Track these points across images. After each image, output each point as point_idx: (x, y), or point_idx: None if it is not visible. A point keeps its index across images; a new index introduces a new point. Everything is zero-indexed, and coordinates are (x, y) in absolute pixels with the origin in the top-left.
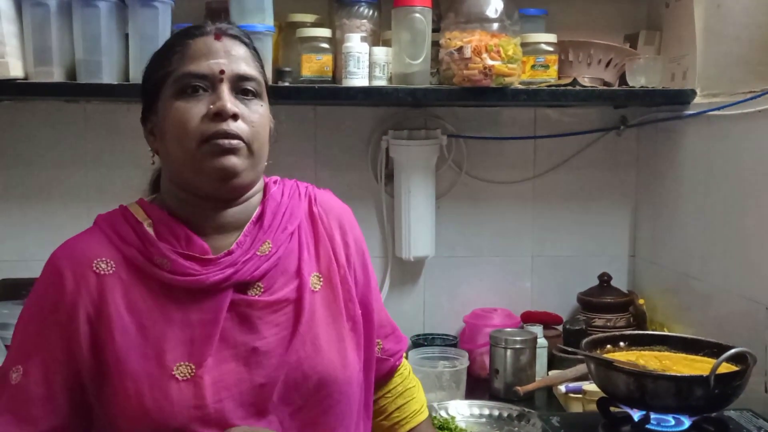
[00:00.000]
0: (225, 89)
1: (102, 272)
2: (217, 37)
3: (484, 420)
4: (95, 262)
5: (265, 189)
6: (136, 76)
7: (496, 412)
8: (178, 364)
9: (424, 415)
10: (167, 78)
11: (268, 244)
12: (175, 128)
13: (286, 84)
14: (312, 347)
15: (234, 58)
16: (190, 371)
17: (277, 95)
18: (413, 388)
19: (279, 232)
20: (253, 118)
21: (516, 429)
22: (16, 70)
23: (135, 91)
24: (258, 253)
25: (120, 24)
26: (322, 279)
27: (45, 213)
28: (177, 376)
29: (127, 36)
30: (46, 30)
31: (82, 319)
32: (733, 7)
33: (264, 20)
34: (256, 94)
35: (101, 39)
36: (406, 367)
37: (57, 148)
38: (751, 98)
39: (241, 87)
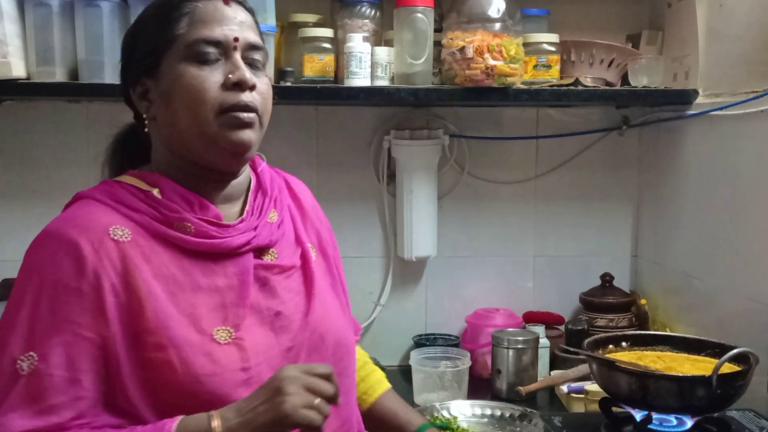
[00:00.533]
0: (239, 58)
1: (120, 239)
2: (226, 2)
3: (486, 420)
4: (111, 229)
5: (252, 162)
6: None
7: (498, 412)
8: (217, 328)
9: (388, 384)
10: (174, 42)
11: (275, 212)
12: (188, 96)
13: (288, 84)
14: (323, 311)
15: (244, 26)
16: (229, 335)
17: (279, 95)
18: (370, 362)
19: (279, 203)
20: (263, 89)
21: (518, 429)
22: (18, 70)
23: None
24: (268, 221)
25: (122, 24)
26: (314, 249)
27: (47, 213)
28: (218, 340)
29: None
30: (48, 30)
31: (107, 289)
32: (735, 7)
33: (266, 20)
34: (262, 65)
35: (103, 39)
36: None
37: (59, 148)
38: (754, 98)
39: (250, 57)
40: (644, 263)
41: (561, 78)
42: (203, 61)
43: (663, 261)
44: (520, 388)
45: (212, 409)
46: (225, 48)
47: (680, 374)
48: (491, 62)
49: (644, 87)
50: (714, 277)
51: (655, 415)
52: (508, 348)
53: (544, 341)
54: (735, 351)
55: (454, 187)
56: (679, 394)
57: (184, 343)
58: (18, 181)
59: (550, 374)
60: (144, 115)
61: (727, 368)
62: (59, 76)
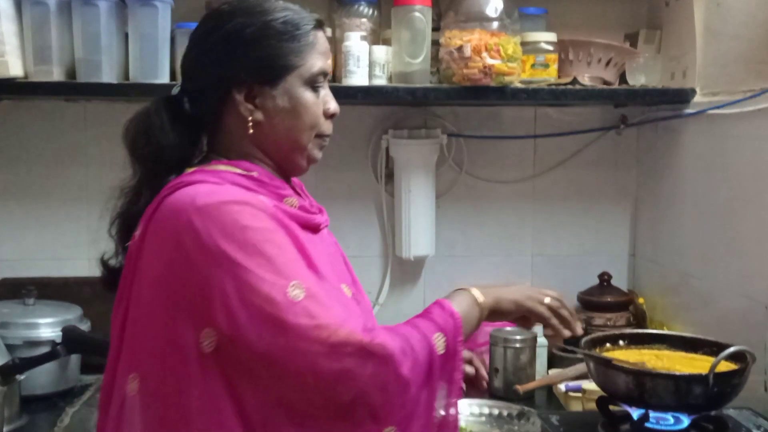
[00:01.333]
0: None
1: (269, 206)
2: (324, 34)
3: (483, 419)
4: (260, 197)
5: None
6: (135, 75)
7: (495, 411)
8: (342, 284)
9: None
10: (301, 67)
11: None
12: (307, 117)
13: None
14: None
15: None
16: (349, 291)
17: None
18: None
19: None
20: None
21: (516, 428)
22: (15, 69)
23: (135, 91)
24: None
25: (120, 23)
26: None
27: (45, 212)
28: (347, 294)
29: (126, 35)
30: (45, 29)
31: (294, 237)
32: (732, 6)
33: None
34: None
35: (101, 38)
36: None
37: (57, 147)
38: (751, 97)
39: None
40: (642, 262)
41: (559, 77)
42: (316, 89)
43: (661, 260)
44: (518, 386)
45: None
46: (325, 77)
47: (677, 372)
48: (489, 61)
49: (642, 86)
50: (711, 275)
51: (652, 414)
52: (505, 347)
53: (541, 340)
54: (731, 349)
55: (452, 187)
56: (676, 392)
57: (334, 292)
58: (16, 180)
59: (547, 373)
60: (249, 117)
61: (724, 366)
62: (56, 75)
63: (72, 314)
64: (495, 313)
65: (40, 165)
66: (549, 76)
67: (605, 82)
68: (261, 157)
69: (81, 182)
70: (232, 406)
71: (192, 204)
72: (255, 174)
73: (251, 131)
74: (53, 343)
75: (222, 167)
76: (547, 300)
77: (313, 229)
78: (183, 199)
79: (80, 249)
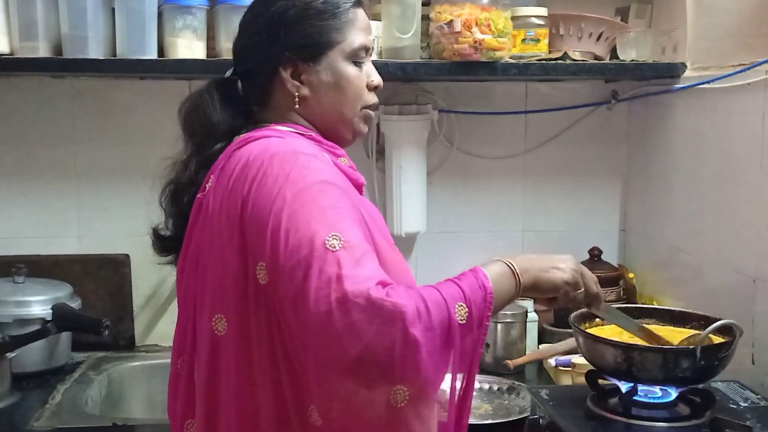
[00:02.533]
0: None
1: (331, 162)
2: (366, 14)
3: (474, 393)
4: (324, 153)
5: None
6: (123, 50)
7: (486, 386)
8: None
9: None
10: (341, 42)
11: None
12: (350, 90)
13: None
14: None
15: None
16: (392, 246)
17: None
18: None
19: None
20: None
21: (506, 402)
22: (1, 45)
23: (123, 67)
24: None
25: None
26: None
27: (34, 190)
28: (393, 252)
29: (113, 10)
30: (31, 4)
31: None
32: None
33: None
34: None
35: (87, 13)
36: None
37: (45, 124)
38: (741, 71)
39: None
40: (632, 237)
41: (549, 52)
42: (358, 63)
43: (651, 235)
44: (509, 361)
45: None
46: (366, 52)
47: (665, 346)
48: (479, 36)
49: (633, 60)
50: (701, 250)
51: (640, 387)
52: (496, 322)
53: (532, 315)
54: (719, 323)
55: (443, 163)
56: (664, 365)
57: (385, 245)
58: (3, 158)
59: (538, 348)
60: (296, 93)
61: (712, 340)
62: (42, 51)
63: (62, 292)
64: (531, 290)
65: (28, 142)
66: (539, 51)
67: (596, 57)
68: (310, 127)
69: (69, 159)
70: (280, 340)
71: (266, 151)
72: (312, 134)
73: (298, 106)
74: (44, 320)
75: (281, 128)
76: (591, 285)
77: (359, 188)
78: (256, 149)
79: (70, 226)
